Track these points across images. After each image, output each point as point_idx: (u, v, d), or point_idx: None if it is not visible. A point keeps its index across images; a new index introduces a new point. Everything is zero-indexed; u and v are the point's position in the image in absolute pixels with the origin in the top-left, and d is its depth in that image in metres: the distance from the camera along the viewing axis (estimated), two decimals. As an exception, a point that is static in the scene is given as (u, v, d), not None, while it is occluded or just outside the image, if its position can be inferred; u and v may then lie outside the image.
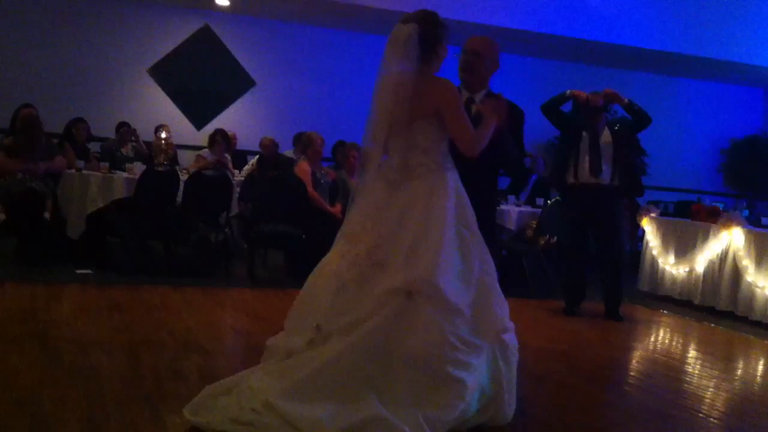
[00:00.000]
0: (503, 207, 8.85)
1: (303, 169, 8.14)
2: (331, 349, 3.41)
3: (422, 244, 3.53)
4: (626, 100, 7.02)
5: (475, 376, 3.50)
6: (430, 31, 3.71)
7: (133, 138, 9.94)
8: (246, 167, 10.21)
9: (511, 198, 9.35)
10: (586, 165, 7.02)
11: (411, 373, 3.39)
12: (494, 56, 4.49)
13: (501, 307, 3.75)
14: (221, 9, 11.09)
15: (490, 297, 3.69)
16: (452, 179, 3.73)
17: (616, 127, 7.12)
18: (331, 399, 3.28)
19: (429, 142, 3.72)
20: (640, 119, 7.07)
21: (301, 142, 8.99)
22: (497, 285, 3.77)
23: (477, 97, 4.38)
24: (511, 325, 3.79)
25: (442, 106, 3.69)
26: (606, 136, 7.06)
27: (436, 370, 3.41)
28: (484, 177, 4.30)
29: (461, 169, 3.85)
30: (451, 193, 3.68)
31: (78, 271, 7.17)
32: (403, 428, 3.20)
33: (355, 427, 3.19)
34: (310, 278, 3.77)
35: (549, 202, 8.46)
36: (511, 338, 3.75)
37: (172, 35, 11.35)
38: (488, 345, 3.61)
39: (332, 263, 3.70)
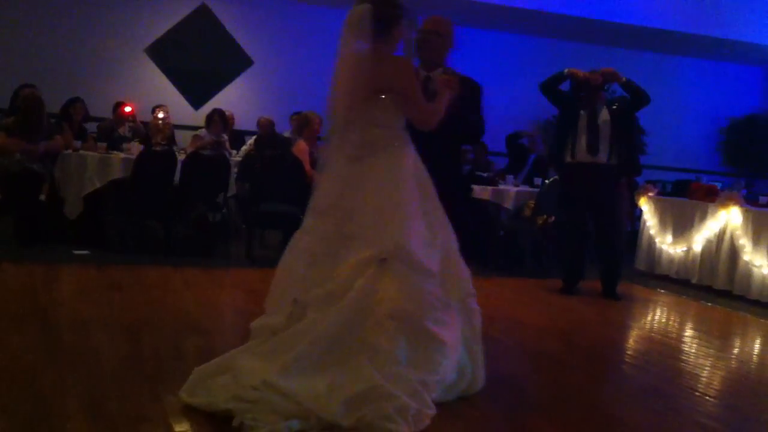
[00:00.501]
0: (501, 186, 8.86)
1: (301, 148, 8.13)
2: (318, 321, 3.49)
3: (388, 214, 3.67)
4: (624, 79, 7.00)
5: (452, 335, 3.64)
6: (384, 11, 3.82)
7: (130, 118, 9.90)
8: (244, 147, 10.19)
9: (510, 177, 9.35)
10: (584, 144, 7.01)
11: (396, 332, 3.49)
12: (450, 35, 4.65)
13: (464, 273, 3.90)
14: (218, -12, 11.06)
15: (455, 264, 3.84)
16: (410, 153, 3.87)
17: (614, 106, 7.10)
18: (328, 370, 3.37)
19: (387, 118, 3.84)
20: (638, 98, 7.04)
21: (299, 121, 8.97)
22: (458, 253, 3.90)
23: (434, 75, 4.55)
24: (473, 291, 3.93)
25: (398, 84, 3.82)
26: (604, 114, 7.04)
27: (418, 327, 3.54)
28: (445, 150, 4.49)
29: (422, 143, 3.97)
30: (409, 166, 3.82)
31: (75, 252, 7.17)
32: (400, 396, 3.28)
33: (355, 398, 3.24)
34: (283, 257, 3.88)
35: (547, 181, 8.46)
36: (473, 303, 3.90)
37: (169, 15, 11.29)
38: (455, 309, 3.75)
39: (302, 239, 3.83)
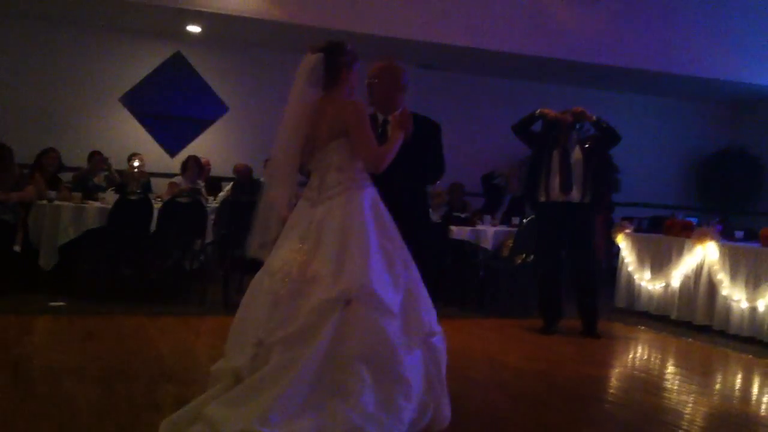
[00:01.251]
0: (480, 226, 8.87)
1: (276, 195, 8.10)
2: (288, 366, 3.48)
3: (349, 256, 3.70)
4: (594, 117, 7.09)
5: (415, 376, 3.66)
6: (334, 59, 3.98)
7: (105, 167, 9.86)
8: (221, 194, 10.16)
9: (487, 217, 9.37)
10: (557, 183, 7.07)
11: (364, 374, 3.51)
12: (393, 78, 4.66)
13: (427, 312, 3.91)
14: (193, 36, 11.06)
15: (417, 302, 3.85)
16: (368, 195, 3.92)
17: (586, 145, 7.17)
18: (305, 413, 3.40)
19: (343, 161, 3.92)
20: (609, 136, 7.14)
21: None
22: (423, 292, 3.94)
23: (391, 118, 4.58)
24: (438, 328, 3.94)
25: (347, 126, 3.91)
26: (576, 153, 7.11)
27: (385, 368, 3.56)
28: (406, 189, 4.55)
29: (383, 184, 4.05)
30: (366, 208, 3.87)
31: (51, 304, 7.07)
32: None
33: None
34: (244, 300, 3.93)
35: (525, 220, 8.49)
36: (438, 340, 3.90)
37: (143, 63, 11.29)
38: (418, 347, 3.75)
39: (264, 281, 3.85)
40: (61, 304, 7.10)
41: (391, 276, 3.77)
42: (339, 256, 3.71)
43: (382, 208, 3.95)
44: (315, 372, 3.49)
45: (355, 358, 3.53)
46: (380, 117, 4.69)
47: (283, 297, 3.70)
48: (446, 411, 3.87)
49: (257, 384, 3.47)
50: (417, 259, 4.00)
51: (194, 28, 10.66)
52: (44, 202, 7.73)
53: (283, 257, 3.83)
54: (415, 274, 3.92)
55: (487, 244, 8.65)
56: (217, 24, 10.27)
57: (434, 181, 4.92)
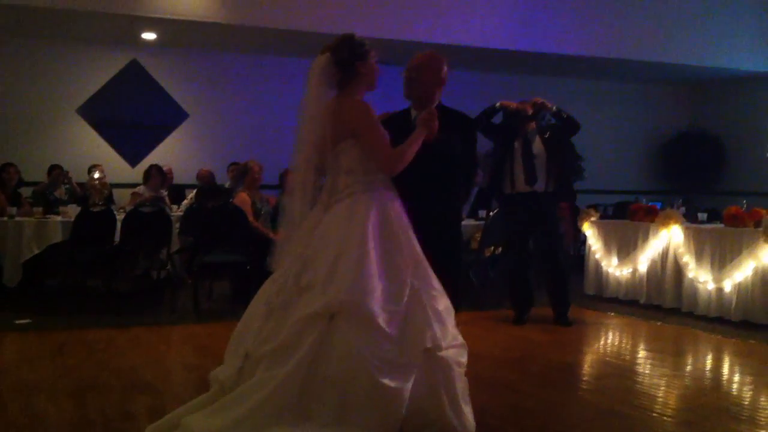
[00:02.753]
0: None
1: (242, 199, 8.07)
2: (268, 380, 3.40)
3: (342, 266, 3.55)
4: (554, 108, 7.14)
5: (401, 400, 3.43)
6: (344, 56, 3.83)
7: (65, 180, 9.74)
8: (185, 201, 10.07)
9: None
10: (521, 174, 7.11)
11: (335, 397, 3.39)
12: (432, 71, 4.40)
13: (441, 324, 3.67)
14: (148, 42, 10.96)
15: (425, 315, 3.61)
16: (377, 199, 3.75)
17: (547, 135, 7.22)
18: (276, 426, 3.32)
19: (352, 163, 3.78)
20: (568, 125, 7.20)
21: (238, 171, 8.92)
22: (439, 302, 3.72)
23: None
24: (454, 342, 3.73)
25: (356, 127, 3.77)
26: (537, 143, 7.16)
27: (357, 392, 3.39)
28: (434, 189, 4.22)
29: (409, 185, 3.87)
30: (372, 213, 3.69)
31: (17, 322, 6.96)
32: None
33: None
34: (249, 306, 3.79)
35: (491, 213, 8.51)
36: (451, 356, 3.67)
37: (99, 72, 11.16)
38: (418, 363, 3.53)
39: (266, 288, 3.74)
40: (28, 321, 6.99)
41: (391, 286, 3.58)
42: (333, 265, 3.56)
43: (395, 212, 3.78)
44: (288, 389, 3.38)
45: (327, 381, 3.40)
46: (414, 113, 4.40)
47: (276, 308, 3.60)
48: (459, 427, 3.61)
49: (237, 397, 3.42)
50: (441, 266, 3.82)
51: (149, 35, 10.57)
52: (5, 218, 7.62)
53: (285, 265, 3.73)
54: (430, 283, 3.73)
55: (455, 237, 8.65)
56: (172, 30, 10.19)
57: (469, 181, 4.63)
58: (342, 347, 3.42)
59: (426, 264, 3.75)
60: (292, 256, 3.72)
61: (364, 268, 3.54)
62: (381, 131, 3.81)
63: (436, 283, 3.75)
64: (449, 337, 3.70)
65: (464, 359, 3.76)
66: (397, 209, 3.79)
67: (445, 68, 4.44)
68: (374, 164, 3.77)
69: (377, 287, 3.53)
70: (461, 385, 3.69)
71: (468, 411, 3.68)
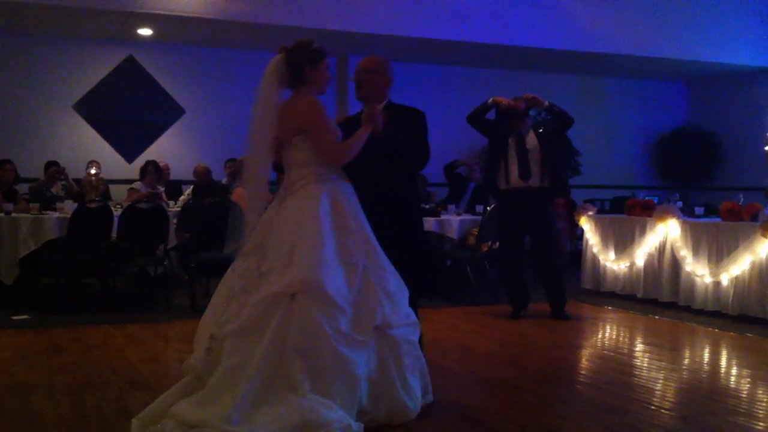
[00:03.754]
0: (444, 216, 8.88)
1: (239, 195, 8.04)
2: (243, 362, 3.63)
3: (298, 251, 3.81)
4: (547, 103, 7.15)
5: (359, 370, 3.71)
6: (297, 57, 4.12)
7: (62, 177, 9.72)
8: (182, 197, 10.06)
9: (451, 207, 9.39)
10: (516, 170, 7.12)
11: (304, 365, 3.62)
12: (381, 71, 4.72)
13: (392, 304, 3.95)
14: (144, 38, 10.93)
15: (375, 295, 3.89)
16: (328, 188, 4.02)
17: (541, 130, 7.23)
18: (261, 407, 3.54)
19: (304, 157, 4.06)
20: (562, 120, 7.22)
21: (234, 167, 8.91)
22: (392, 284, 4.00)
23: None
24: (406, 320, 4.01)
25: (305, 124, 4.05)
26: (531, 139, 7.17)
27: (323, 361, 3.65)
28: (389, 179, 4.57)
29: (366, 176, 4.27)
30: (324, 201, 3.96)
31: (14, 318, 6.95)
32: (332, 422, 3.49)
33: (295, 428, 3.46)
34: (213, 296, 4.08)
35: (488, 208, 8.51)
36: (401, 333, 3.95)
37: (95, 68, 11.13)
38: (372, 341, 3.82)
39: (227, 278, 4.02)
40: (25, 317, 6.98)
41: (344, 268, 3.87)
42: (290, 251, 3.82)
43: (347, 199, 4.05)
44: (266, 368, 3.61)
45: (293, 350, 3.63)
46: (365, 111, 4.58)
47: (237, 292, 3.86)
48: (410, 406, 3.90)
49: (219, 385, 3.63)
50: (398, 250, 4.13)
51: (145, 31, 10.54)
52: (1, 215, 7.60)
53: (245, 253, 3.99)
54: (380, 264, 4.00)
55: (453, 233, 8.67)
56: (169, 26, 10.17)
57: (419, 169, 4.87)
58: (305, 321, 3.68)
59: (376, 247, 4.03)
60: (252, 245, 3.97)
61: (319, 253, 3.81)
62: (328, 126, 4.13)
63: (387, 265, 4.03)
64: (401, 315, 3.99)
65: (414, 337, 4.06)
66: (348, 196, 4.09)
67: (391, 68, 4.77)
68: (324, 156, 4.06)
69: (332, 269, 3.81)
70: (410, 361, 3.96)
71: (416, 385, 3.97)
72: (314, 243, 3.83)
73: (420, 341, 4.26)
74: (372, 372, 3.81)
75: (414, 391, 3.94)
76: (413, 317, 4.11)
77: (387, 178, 4.55)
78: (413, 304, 4.22)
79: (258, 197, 4.15)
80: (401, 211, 4.64)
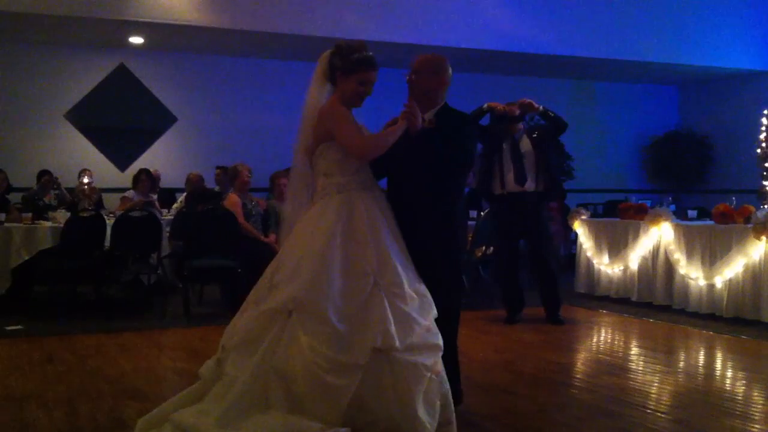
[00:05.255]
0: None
1: (232, 201, 8.03)
2: (235, 376, 3.58)
3: (303, 265, 3.69)
4: (541, 108, 7.14)
5: (342, 397, 3.47)
6: (335, 59, 3.90)
7: (55, 186, 9.69)
8: (175, 205, 10.05)
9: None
10: (511, 175, 7.11)
11: (283, 388, 3.52)
12: (434, 72, 4.38)
13: (404, 325, 3.61)
14: (135, 46, 10.92)
15: (382, 314, 3.59)
16: (346, 200, 3.81)
17: (535, 134, 7.24)
18: (249, 417, 3.48)
19: (329, 166, 3.88)
20: (555, 125, 7.21)
21: (227, 174, 8.89)
22: (409, 304, 3.67)
23: (428, 115, 4.27)
24: (422, 342, 3.64)
25: (326, 127, 3.85)
26: (525, 144, 7.17)
27: (301, 386, 3.49)
28: (428, 185, 4.14)
29: (402, 182, 4.02)
30: (340, 213, 3.78)
31: (8, 328, 6.92)
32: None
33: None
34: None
35: (482, 213, 8.51)
36: (410, 358, 3.57)
37: (86, 77, 11.11)
38: (363, 362, 3.51)
39: (254, 288, 3.90)
40: (19, 327, 6.95)
41: (349, 283, 3.65)
42: (297, 264, 3.70)
43: (366, 212, 3.80)
44: (255, 384, 3.52)
45: (276, 372, 3.52)
46: (422, 116, 4.24)
47: (249, 303, 3.79)
48: (409, 427, 3.51)
49: (217, 394, 3.61)
50: (429, 266, 3.88)
51: (137, 39, 10.53)
52: (-7, 224, 7.57)
53: (270, 264, 3.90)
54: (397, 282, 3.69)
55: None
56: (160, 33, 10.16)
57: (460, 176, 4.38)
58: (293, 344, 3.54)
59: (395, 262, 3.73)
60: (276, 256, 3.91)
61: (323, 268, 3.65)
62: (349, 122, 3.88)
63: (406, 284, 3.71)
64: (415, 337, 3.63)
65: (430, 361, 3.64)
66: (371, 208, 3.84)
67: (449, 69, 4.43)
68: (350, 153, 3.85)
69: (334, 286, 3.62)
70: (421, 387, 3.58)
71: (422, 413, 3.54)
72: (321, 258, 3.67)
73: (452, 361, 4.04)
74: (367, 396, 3.51)
75: (421, 421, 3.52)
76: (434, 339, 3.69)
77: (421, 187, 4.13)
78: (447, 322, 3.93)
79: (298, 199, 4.03)
80: (434, 224, 4.15)
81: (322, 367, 3.46)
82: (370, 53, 3.93)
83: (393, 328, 3.56)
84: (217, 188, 10.24)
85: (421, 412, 3.53)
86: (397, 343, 3.54)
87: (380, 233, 3.78)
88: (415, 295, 3.72)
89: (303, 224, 3.85)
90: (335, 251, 3.68)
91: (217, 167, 10.30)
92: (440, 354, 3.71)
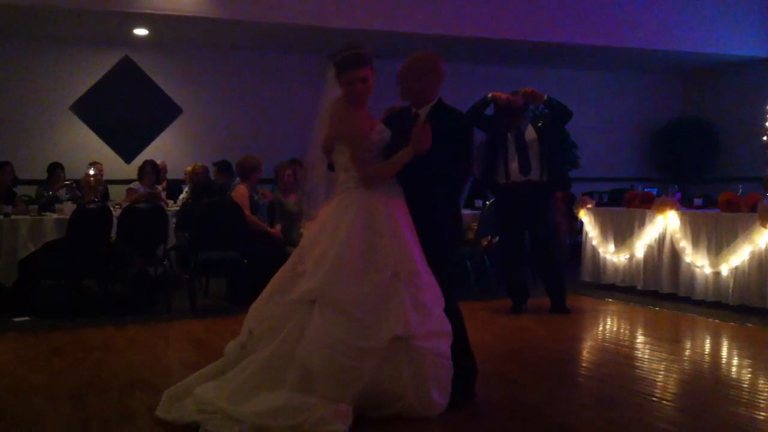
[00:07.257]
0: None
1: (240, 192, 8.02)
2: (256, 357, 3.88)
3: (325, 256, 3.90)
4: (545, 97, 7.12)
5: (355, 372, 3.72)
6: (336, 60, 4.09)
7: (67, 182, 9.68)
8: (181, 197, 10.04)
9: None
10: (516, 164, 7.10)
11: (299, 371, 3.75)
12: (423, 68, 4.37)
13: (422, 314, 3.87)
14: (140, 38, 10.91)
15: (402, 304, 3.83)
16: (365, 193, 4.01)
17: (539, 124, 7.22)
18: (261, 393, 3.76)
19: (345, 162, 4.09)
20: (560, 114, 7.19)
21: (244, 165, 8.83)
22: (428, 294, 3.92)
23: (423, 112, 4.31)
24: (437, 330, 3.92)
25: (335, 134, 4.11)
26: (530, 133, 7.15)
27: (316, 367, 3.73)
28: (429, 185, 4.18)
29: (408, 180, 4.10)
30: (360, 206, 3.98)
31: (15, 319, 6.95)
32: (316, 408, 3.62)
33: (280, 409, 3.64)
34: (264, 289, 4.19)
35: (487, 203, 8.50)
36: (428, 345, 3.85)
37: (91, 69, 11.12)
38: (382, 347, 3.76)
39: (276, 275, 4.15)
40: (26, 318, 6.97)
41: (371, 274, 3.86)
42: (321, 255, 3.91)
43: (385, 205, 4.00)
44: (276, 363, 3.79)
45: (294, 355, 3.76)
46: (413, 110, 4.37)
47: (275, 291, 4.04)
48: (422, 410, 3.85)
49: (237, 371, 3.90)
50: (439, 255, 4.07)
51: (141, 31, 10.52)
52: (0, 217, 7.58)
53: (293, 254, 4.16)
54: (415, 273, 3.91)
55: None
56: (164, 25, 10.16)
57: (461, 177, 4.51)
58: (313, 330, 3.78)
59: (414, 253, 3.96)
60: (301, 243, 4.16)
61: (345, 259, 3.86)
62: (360, 146, 4.04)
63: (423, 273, 3.95)
64: (432, 326, 3.90)
65: (444, 347, 3.94)
66: (390, 200, 4.04)
67: (440, 66, 4.41)
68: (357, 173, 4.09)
69: (355, 277, 3.83)
70: (435, 372, 3.89)
71: (437, 396, 3.89)
72: (342, 250, 3.87)
73: (462, 344, 4.24)
74: (383, 380, 3.77)
75: (435, 402, 3.88)
76: (446, 326, 3.98)
77: (427, 182, 4.17)
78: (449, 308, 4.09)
79: (317, 191, 4.26)
80: (426, 221, 4.15)
81: (340, 351, 3.72)
82: (352, 52, 4.06)
83: (412, 317, 3.82)
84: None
85: (435, 395, 3.88)
86: (416, 331, 3.81)
87: (399, 224, 4.00)
88: (431, 284, 3.97)
89: (325, 216, 4.05)
90: (357, 243, 3.89)
91: (214, 163, 10.17)
92: (451, 340, 3.99)
